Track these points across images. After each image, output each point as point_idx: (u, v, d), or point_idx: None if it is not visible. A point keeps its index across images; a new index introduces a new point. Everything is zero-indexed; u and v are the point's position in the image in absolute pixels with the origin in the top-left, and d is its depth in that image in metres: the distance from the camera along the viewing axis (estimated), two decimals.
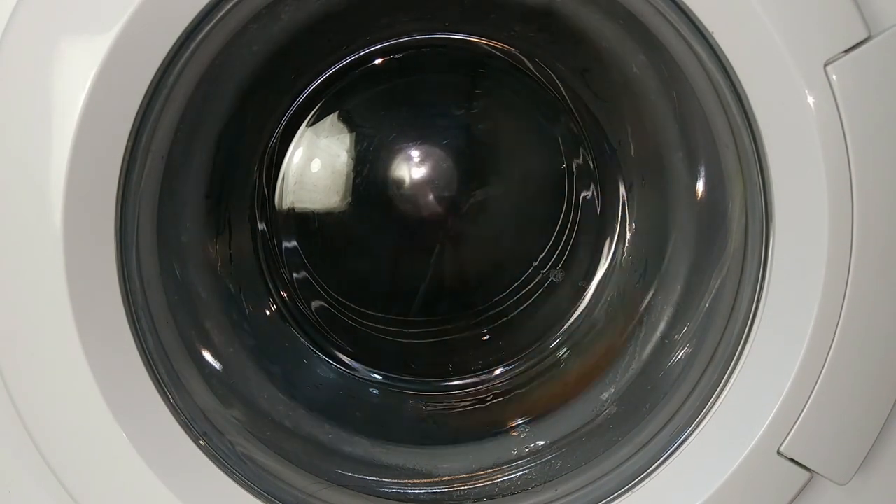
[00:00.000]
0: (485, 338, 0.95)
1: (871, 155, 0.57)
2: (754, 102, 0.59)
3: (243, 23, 0.68)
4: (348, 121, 0.92)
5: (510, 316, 0.95)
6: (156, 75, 0.59)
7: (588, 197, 0.93)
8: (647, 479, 0.65)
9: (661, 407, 0.71)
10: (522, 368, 0.92)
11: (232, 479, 0.64)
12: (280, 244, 0.92)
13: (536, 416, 0.84)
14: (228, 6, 0.61)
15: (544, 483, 0.73)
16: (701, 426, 0.65)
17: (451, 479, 0.76)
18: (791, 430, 0.61)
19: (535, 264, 0.94)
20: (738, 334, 0.64)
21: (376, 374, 0.93)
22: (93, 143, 0.58)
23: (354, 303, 0.94)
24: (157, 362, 0.64)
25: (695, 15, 0.59)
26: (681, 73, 0.68)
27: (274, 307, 0.91)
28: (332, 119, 0.91)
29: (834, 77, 0.57)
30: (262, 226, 0.91)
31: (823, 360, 0.60)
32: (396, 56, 0.91)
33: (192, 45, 0.61)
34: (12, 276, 0.59)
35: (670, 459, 0.65)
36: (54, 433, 0.61)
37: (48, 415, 0.60)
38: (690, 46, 0.62)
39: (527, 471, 0.76)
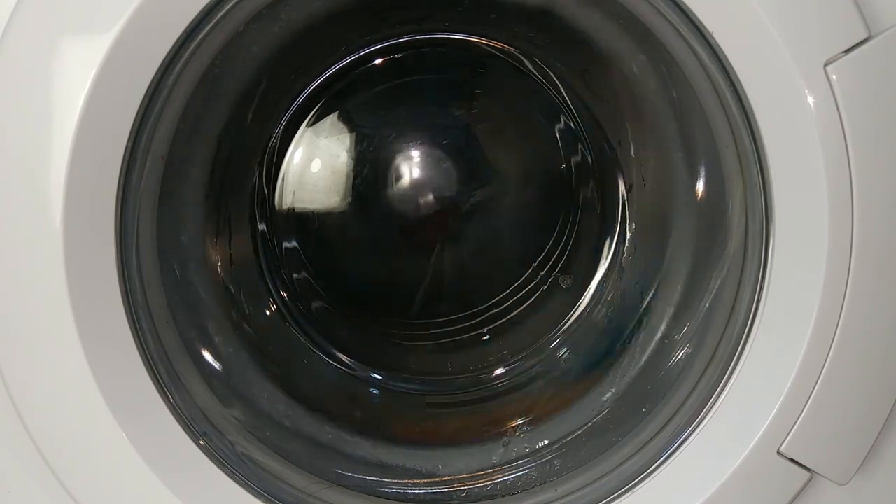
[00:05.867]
0: (485, 338, 0.95)
1: (871, 155, 0.57)
2: (754, 102, 0.59)
3: (243, 23, 0.68)
4: (348, 121, 0.92)
5: (510, 316, 0.95)
6: (156, 75, 0.59)
7: (588, 197, 0.93)
8: (647, 479, 0.65)
9: (661, 407, 0.71)
10: (522, 368, 0.92)
11: (232, 479, 0.64)
12: (280, 244, 0.92)
13: (536, 416, 0.84)
14: (228, 6, 0.61)
15: (544, 483, 0.73)
16: (701, 426, 0.65)
17: (451, 479, 0.76)
18: (791, 430, 0.61)
19: (535, 265, 0.94)
20: (738, 334, 0.64)
21: (376, 374, 0.93)
22: (93, 143, 0.58)
23: (354, 303, 0.94)
24: (157, 362, 0.64)
25: (695, 15, 0.59)
26: (681, 73, 0.68)
27: (274, 307, 0.91)
28: (332, 119, 0.91)
29: (834, 77, 0.57)
30: (262, 226, 0.91)
31: (823, 360, 0.60)
32: (396, 56, 0.91)
33: (192, 45, 0.61)
34: (12, 276, 0.59)
35: (670, 459, 0.65)
36: (54, 433, 0.61)
37: (48, 415, 0.60)
38: (690, 46, 0.62)
39: (527, 471, 0.76)
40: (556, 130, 0.93)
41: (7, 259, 0.58)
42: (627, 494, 0.65)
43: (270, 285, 0.91)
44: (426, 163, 0.90)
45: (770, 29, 0.57)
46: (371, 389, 0.92)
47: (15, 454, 0.64)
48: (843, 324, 0.59)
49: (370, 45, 0.90)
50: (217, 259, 0.83)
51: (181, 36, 0.59)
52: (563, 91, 0.91)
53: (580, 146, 0.93)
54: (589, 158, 0.93)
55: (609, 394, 0.80)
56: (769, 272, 0.62)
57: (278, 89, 0.88)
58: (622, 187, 0.90)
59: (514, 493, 0.74)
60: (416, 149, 0.90)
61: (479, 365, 0.94)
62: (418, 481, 0.76)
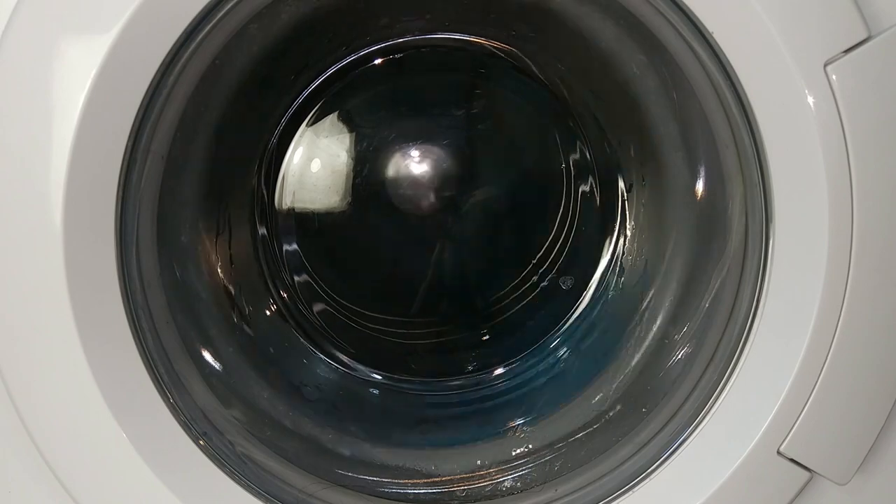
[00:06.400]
0: (485, 338, 0.95)
1: (871, 155, 0.57)
2: (754, 102, 0.59)
3: (243, 23, 0.68)
4: (348, 121, 0.92)
5: (510, 316, 0.95)
6: (156, 75, 0.59)
7: (588, 196, 0.93)
8: (647, 479, 0.65)
9: (661, 407, 0.71)
10: (522, 368, 0.92)
11: (232, 479, 0.64)
12: (280, 244, 0.92)
13: (536, 416, 0.84)
14: (228, 6, 0.61)
15: (544, 483, 0.73)
16: (701, 426, 0.65)
17: (451, 479, 0.76)
18: (791, 430, 0.61)
19: (535, 265, 0.94)
20: (738, 334, 0.64)
21: (376, 374, 0.93)
22: (93, 143, 0.58)
23: (354, 303, 0.94)
24: (157, 362, 0.64)
25: (695, 15, 0.59)
26: (681, 73, 0.68)
27: (274, 307, 0.91)
28: (332, 119, 0.91)
29: (834, 77, 0.57)
30: (261, 226, 0.91)
31: (823, 360, 0.60)
32: (396, 56, 0.91)
33: (192, 45, 0.61)
34: (12, 276, 0.59)
35: (670, 459, 0.65)
36: (54, 433, 0.61)
37: (48, 415, 0.60)
38: (690, 46, 0.62)
39: (527, 471, 0.76)
40: (556, 130, 0.93)
41: (7, 259, 0.58)
42: (627, 494, 0.65)
43: (270, 285, 0.91)
44: (426, 163, 0.90)
45: (770, 29, 0.57)
46: (371, 389, 0.92)
47: (15, 454, 0.64)
48: (843, 324, 0.59)
49: (370, 45, 0.90)
50: (217, 259, 0.83)
51: (181, 36, 0.59)
52: (563, 91, 0.91)
53: (580, 146, 0.93)
54: (589, 158, 0.93)
55: (609, 394, 0.80)
56: (769, 272, 0.62)
57: (278, 89, 0.88)
58: (622, 187, 0.90)
59: (514, 493, 0.74)
60: (415, 149, 0.90)
61: (479, 365, 0.94)
62: (418, 481, 0.76)
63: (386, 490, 0.74)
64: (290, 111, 0.90)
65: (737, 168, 0.66)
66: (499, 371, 0.93)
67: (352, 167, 0.91)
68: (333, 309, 0.93)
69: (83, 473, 0.61)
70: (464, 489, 0.75)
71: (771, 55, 0.57)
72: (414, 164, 0.90)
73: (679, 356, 0.74)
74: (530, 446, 0.79)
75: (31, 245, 0.58)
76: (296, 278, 0.93)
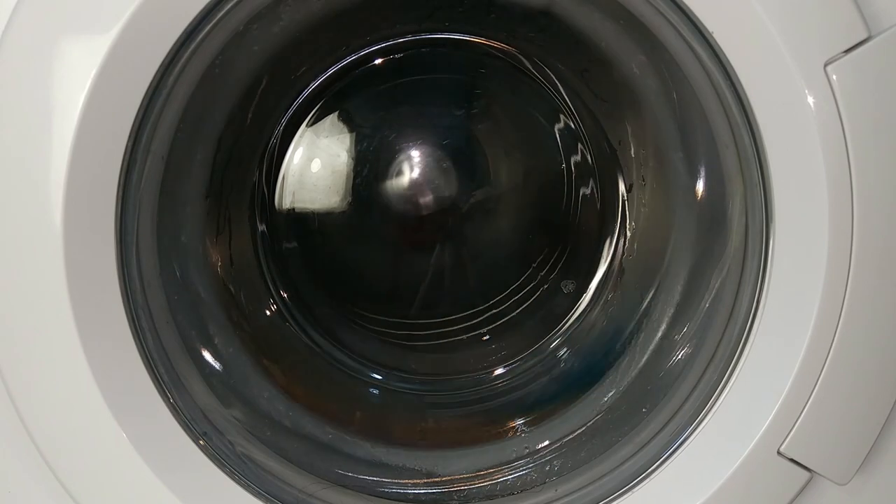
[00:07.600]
0: (485, 338, 0.95)
1: (871, 155, 0.57)
2: (754, 102, 0.59)
3: (243, 23, 0.68)
4: (348, 121, 0.92)
5: (510, 316, 0.95)
6: (156, 75, 0.59)
7: (588, 197, 0.93)
8: (647, 479, 0.65)
9: (661, 407, 0.71)
10: (522, 368, 0.92)
11: (232, 479, 0.64)
12: (280, 244, 0.92)
13: (536, 416, 0.84)
14: (228, 6, 0.61)
15: (544, 483, 0.73)
16: (701, 426, 0.65)
17: (451, 479, 0.76)
18: (791, 430, 0.61)
19: (535, 265, 0.94)
20: (738, 334, 0.64)
21: (376, 374, 0.93)
22: (93, 143, 0.58)
23: (354, 303, 0.94)
24: (157, 362, 0.64)
25: (695, 15, 0.59)
26: (681, 73, 0.68)
27: (274, 307, 0.91)
28: (332, 119, 0.91)
29: (834, 77, 0.57)
30: (262, 226, 0.91)
31: (823, 360, 0.60)
32: (396, 56, 0.91)
33: (192, 45, 0.61)
34: (12, 276, 0.59)
35: (670, 459, 0.65)
36: (54, 433, 0.61)
37: (48, 415, 0.60)
38: (690, 46, 0.62)
39: (527, 471, 0.76)
40: (556, 130, 0.93)
41: (7, 259, 0.58)
42: (627, 494, 0.65)
43: (270, 285, 0.91)
44: (426, 163, 0.90)
45: (770, 29, 0.57)
46: (371, 389, 0.92)
47: (15, 454, 0.64)
48: (843, 324, 0.59)
49: (370, 45, 0.90)
50: (217, 259, 0.83)
51: (181, 36, 0.59)
52: (563, 91, 0.91)
53: (580, 146, 0.93)
54: (589, 158, 0.93)
55: (609, 394, 0.80)
56: (769, 272, 0.62)
57: (278, 89, 0.88)
58: (622, 187, 0.90)
59: (514, 493, 0.74)
60: (416, 149, 0.90)
61: (479, 365, 0.94)
62: (418, 481, 0.76)
63: (386, 490, 0.74)
64: (291, 111, 0.90)
65: (737, 168, 0.66)
66: (499, 371, 0.93)
67: (352, 167, 0.91)
68: (333, 309, 0.93)
69: (83, 473, 0.61)
70: (464, 489, 0.75)
71: (771, 55, 0.57)
72: (414, 164, 0.90)
73: (679, 356, 0.74)
74: (530, 446, 0.79)
75: (31, 245, 0.58)
76: (296, 278, 0.93)
